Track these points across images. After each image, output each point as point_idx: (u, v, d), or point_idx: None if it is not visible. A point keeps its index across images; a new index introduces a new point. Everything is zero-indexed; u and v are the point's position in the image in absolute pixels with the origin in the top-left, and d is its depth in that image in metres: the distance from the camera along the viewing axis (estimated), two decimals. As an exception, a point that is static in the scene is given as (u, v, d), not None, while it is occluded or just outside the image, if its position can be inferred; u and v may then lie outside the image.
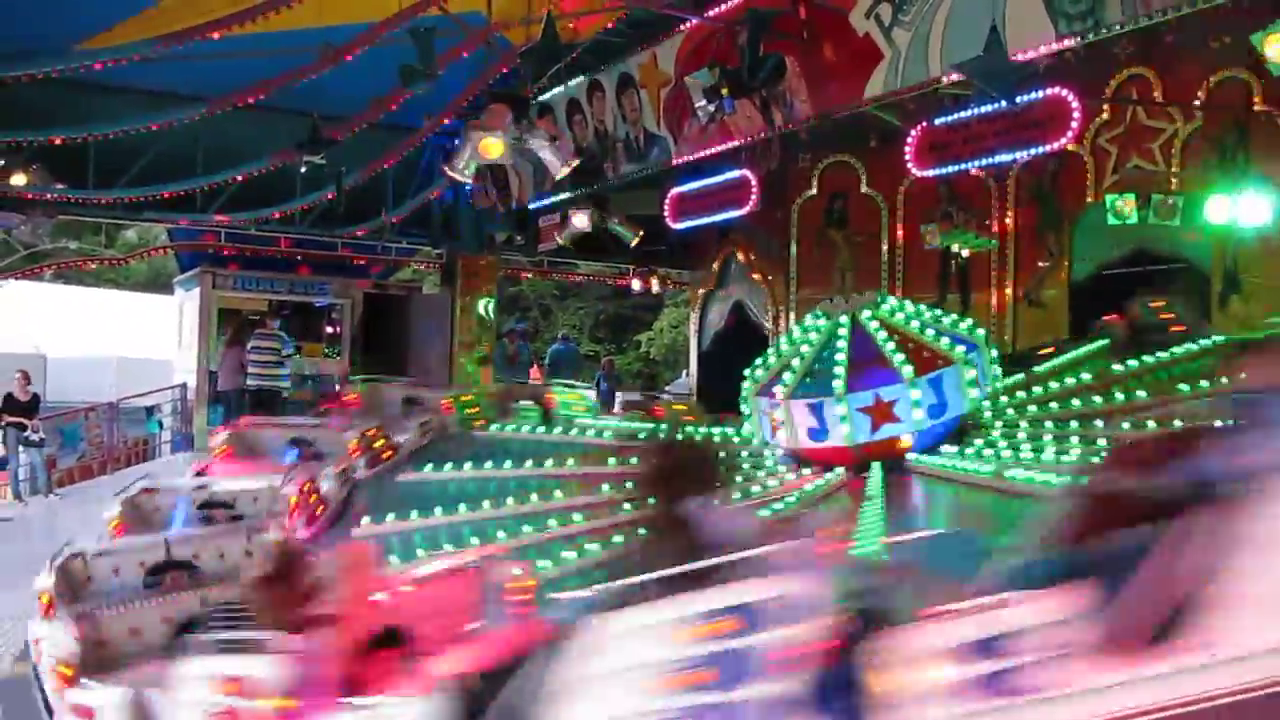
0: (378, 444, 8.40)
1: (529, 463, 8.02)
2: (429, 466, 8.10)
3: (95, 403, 17.11)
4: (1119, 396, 7.70)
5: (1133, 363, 8.23)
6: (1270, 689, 2.68)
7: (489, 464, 8.02)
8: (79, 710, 5.12)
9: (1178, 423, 6.92)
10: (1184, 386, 7.43)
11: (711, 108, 9.50)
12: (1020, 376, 8.45)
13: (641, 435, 8.71)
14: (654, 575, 3.18)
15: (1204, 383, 7.33)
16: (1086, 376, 8.22)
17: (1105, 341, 8.95)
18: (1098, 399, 7.74)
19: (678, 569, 3.17)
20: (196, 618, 5.69)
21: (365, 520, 7.17)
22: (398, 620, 4.09)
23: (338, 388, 14.48)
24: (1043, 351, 9.32)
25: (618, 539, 6.49)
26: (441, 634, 4.00)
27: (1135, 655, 2.76)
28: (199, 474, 9.59)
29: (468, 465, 8.04)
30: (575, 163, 10.91)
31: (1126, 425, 7.20)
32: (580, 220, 14.25)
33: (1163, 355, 8.21)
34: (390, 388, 11.35)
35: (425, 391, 10.72)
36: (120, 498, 8.34)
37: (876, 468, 7.13)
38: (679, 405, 12.80)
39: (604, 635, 3.07)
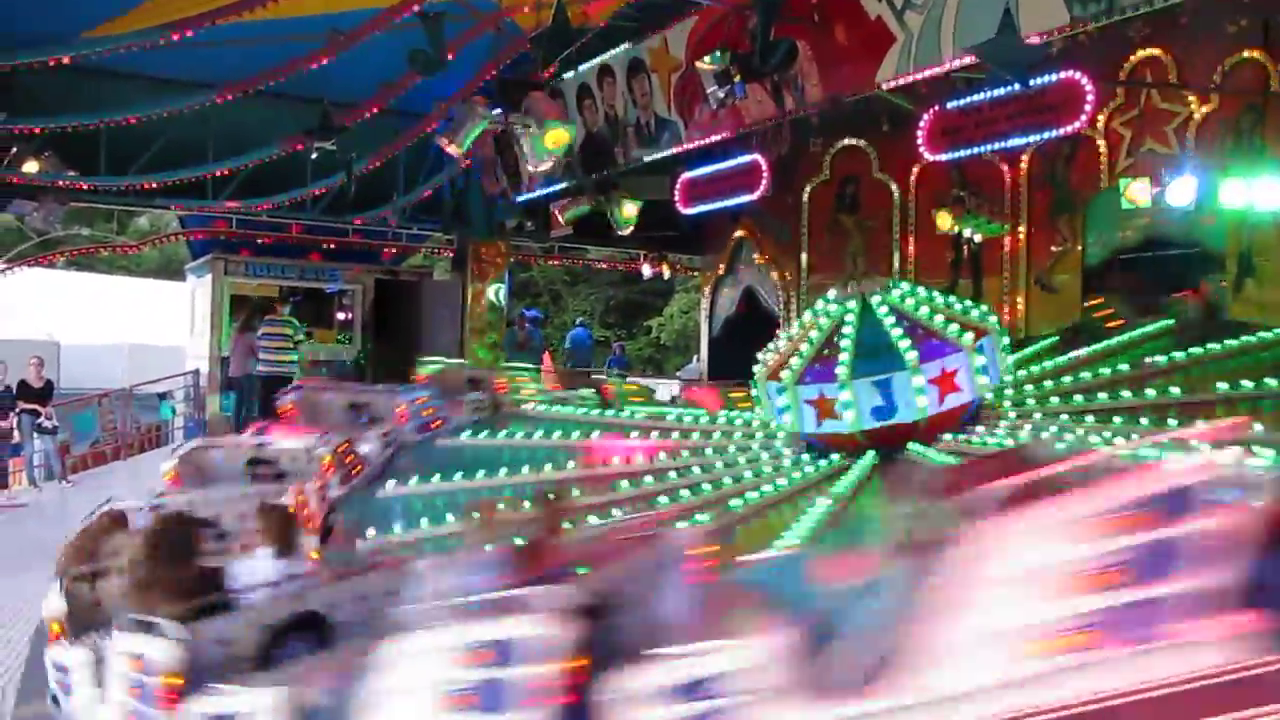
0: (348, 460, 8.45)
1: (525, 469, 8.10)
2: (414, 481, 8.18)
3: (108, 389, 17.18)
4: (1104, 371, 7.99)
5: (1096, 347, 8.52)
6: None
7: (481, 473, 8.11)
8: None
9: (1175, 389, 7.10)
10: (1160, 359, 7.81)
11: (722, 92, 9.46)
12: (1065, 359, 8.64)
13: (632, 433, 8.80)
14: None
15: (1177, 354, 7.67)
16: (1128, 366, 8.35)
17: (1169, 322, 9.15)
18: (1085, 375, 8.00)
19: None
20: (289, 623, 5.34)
21: (392, 483, 7.24)
22: (600, 587, 3.87)
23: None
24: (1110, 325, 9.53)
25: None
26: (639, 601, 3.90)
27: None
28: (258, 433, 9.89)
29: (458, 475, 8.12)
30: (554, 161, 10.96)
31: (1127, 394, 7.35)
32: (630, 208, 14.12)
33: (1122, 339, 8.52)
34: (332, 394, 11.28)
35: (371, 396, 10.71)
36: (177, 453, 9.18)
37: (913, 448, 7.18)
38: (629, 385, 12.86)
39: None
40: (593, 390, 10.19)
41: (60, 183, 13.56)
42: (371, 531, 7.30)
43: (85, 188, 14.03)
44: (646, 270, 18.20)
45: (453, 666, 3.45)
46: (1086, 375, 8.25)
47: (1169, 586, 2.66)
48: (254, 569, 5.69)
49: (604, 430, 8.86)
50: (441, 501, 7.75)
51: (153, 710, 4.74)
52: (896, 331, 7.32)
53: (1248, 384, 7.26)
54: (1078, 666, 2.67)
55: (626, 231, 14.51)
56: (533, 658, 3.35)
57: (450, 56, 10.10)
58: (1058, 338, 9.90)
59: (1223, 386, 7.32)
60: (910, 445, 7.21)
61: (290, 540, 5.94)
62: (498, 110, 10.63)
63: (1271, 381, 7.17)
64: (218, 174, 14.43)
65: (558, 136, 9.86)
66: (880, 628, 3.02)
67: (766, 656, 3.01)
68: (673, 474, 7.77)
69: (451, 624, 3.58)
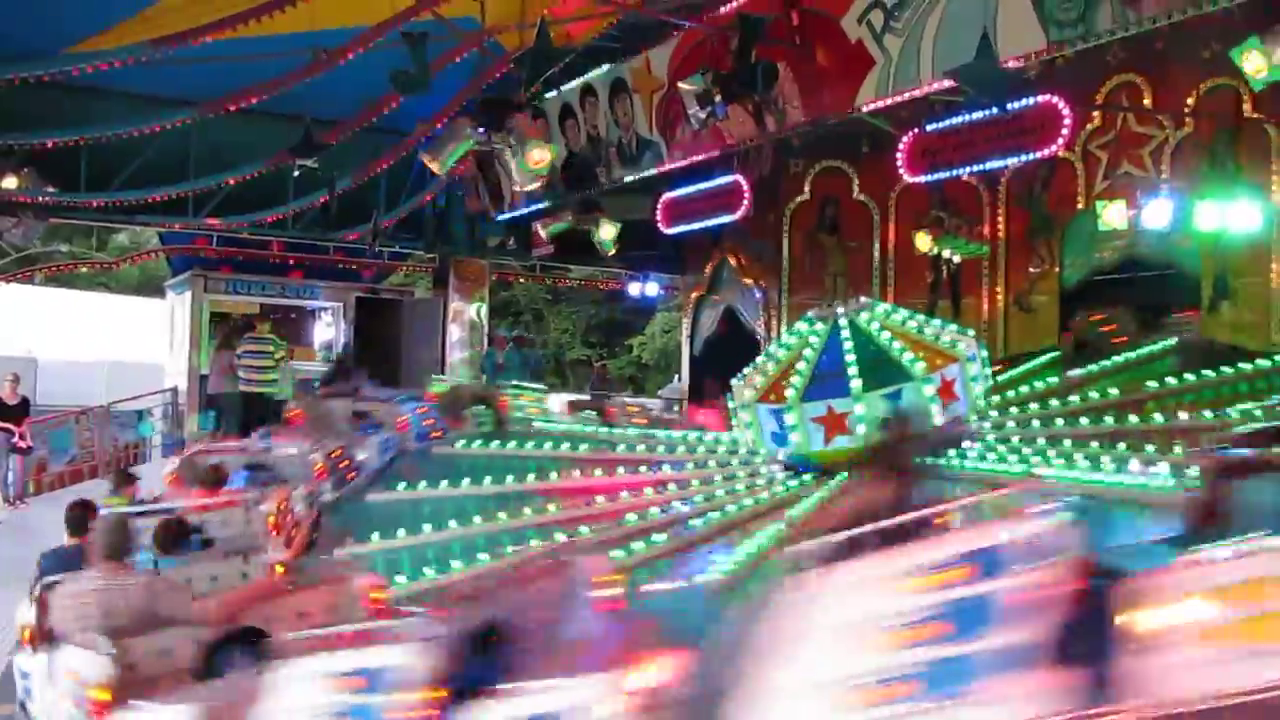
0: (342, 465, 8.47)
1: (510, 478, 8.13)
2: (401, 486, 8.17)
3: (86, 406, 17.04)
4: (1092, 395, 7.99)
5: (1093, 367, 8.57)
6: None
7: (466, 481, 8.11)
8: None
9: (1158, 417, 7.16)
10: (1151, 384, 7.85)
11: (703, 113, 9.52)
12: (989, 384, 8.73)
13: (619, 448, 8.88)
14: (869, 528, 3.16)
15: (1170, 379, 7.68)
16: (1054, 381, 8.48)
17: (1056, 354, 9.33)
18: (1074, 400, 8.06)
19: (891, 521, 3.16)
20: (227, 638, 5.47)
21: (350, 542, 7.25)
22: (498, 613, 4.00)
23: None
24: (993, 368, 9.63)
25: (638, 546, 6.59)
26: (537, 627, 3.96)
27: None
28: (263, 437, 10.41)
29: (443, 484, 8.12)
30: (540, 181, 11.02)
31: (1109, 420, 7.39)
32: (608, 230, 14.19)
33: (1117, 360, 8.58)
34: (337, 402, 11.36)
35: (374, 405, 10.82)
36: (180, 457, 9.81)
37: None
38: (632, 406, 13.00)
39: (827, 589, 2.96)
40: (485, 405, 10.39)
41: (40, 199, 13.48)
42: (349, 540, 7.31)
43: (67, 204, 13.97)
44: (634, 289, 18.23)
45: (328, 692, 3.64)
46: (1076, 399, 8.27)
47: (982, 642, 2.73)
48: None
49: (595, 447, 8.98)
50: (428, 509, 7.79)
51: None
52: (851, 359, 7.53)
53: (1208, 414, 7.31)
54: (892, 718, 2.75)
55: (610, 253, 14.56)
56: (399, 686, 3.49)
57: (433, 76, 10.12)
58: (1059, 353, 9.91)
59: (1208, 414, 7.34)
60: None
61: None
62: (481, 130, 10.66)
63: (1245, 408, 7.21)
64: (199, 191, 14.38)
65: (539, 156, 9.90)
66: (725, 666, 3.11)
67: (609, 694, 3.11)
68: (648, 490, 7.80)
69: (327, 651, 3.81)
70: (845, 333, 7.73)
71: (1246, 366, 8.06)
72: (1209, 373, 8.04)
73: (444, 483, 8.13)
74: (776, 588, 3.09)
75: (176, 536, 6.92)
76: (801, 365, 7.74)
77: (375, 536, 7.38)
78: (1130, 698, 2.71)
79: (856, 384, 7.36)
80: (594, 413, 11.07)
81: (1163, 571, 2.83)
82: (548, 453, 8.84)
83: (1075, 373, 8.77)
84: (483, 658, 3.67)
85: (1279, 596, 2.70)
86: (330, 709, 3.65)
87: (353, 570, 6.22)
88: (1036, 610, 2.73)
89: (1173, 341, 9.18)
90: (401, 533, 7.33)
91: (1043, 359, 9.69)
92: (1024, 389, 8.73)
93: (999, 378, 8.95)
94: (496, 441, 9.21)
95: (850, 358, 7.53)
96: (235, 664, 5.00)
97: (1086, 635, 2.78)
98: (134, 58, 11.23)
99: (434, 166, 11.04)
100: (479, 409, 10.04)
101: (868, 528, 3.16)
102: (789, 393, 7.58)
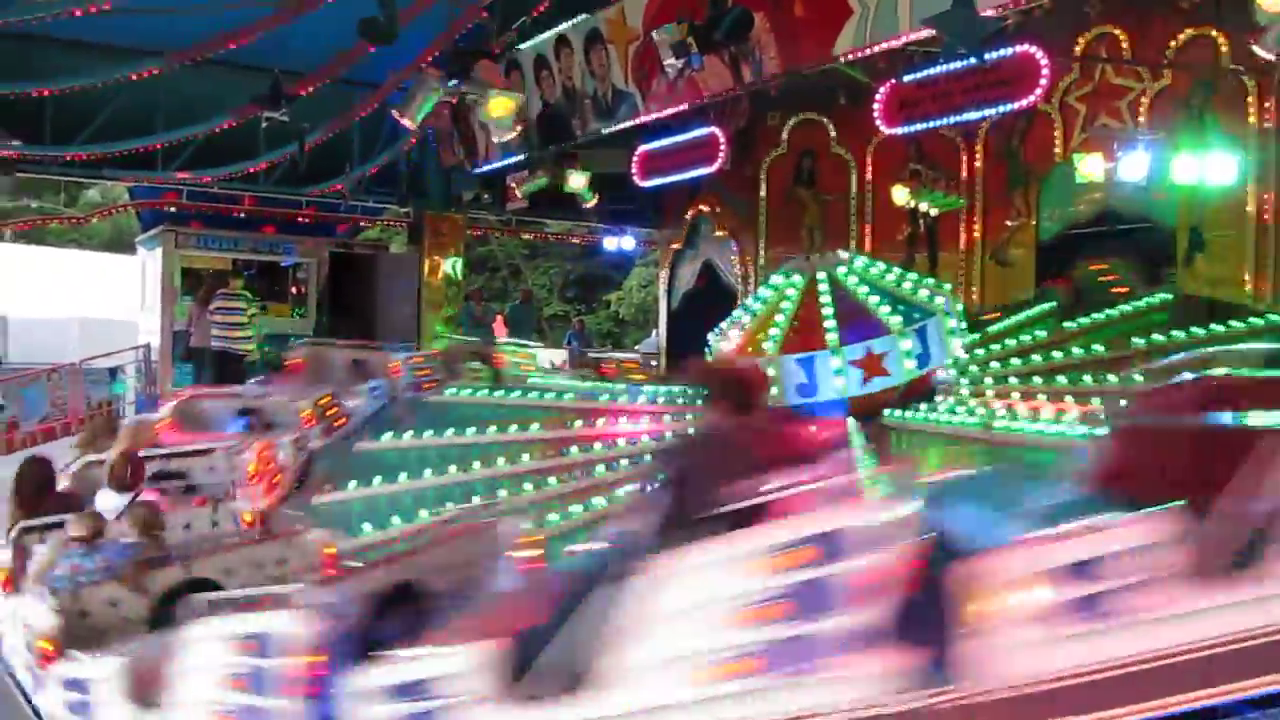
0: (330, 412, 8.44)
1: (492, 428, 8.07)
2: (387, 435, 8.13)
3: (58, 364, 16.87)
4: (1076, 351, 7.87)
5: (1084, 320, 8.44)
6: None
7: (449, 430, 8.06)
8: (71, 685, 5.04)
9: (1138, 376, 7.08)
10: (1139, 340, 7.62)
11: (679, 64, 9.38)
12: (976, 336, 8.61)
13: (603, 397, 8.84)
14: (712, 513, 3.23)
15: (1157, 336, 7.52)
16: (1042, 334, 8.38)
17: (1052, 304, 9.20)
18: (1057, 355, 7.91)
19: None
20: (179, 588, 5.62)
21: (327, 489, 7.21)
22: (411, 575, 4.15)
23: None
24: (987, 316, 9.48)
25: (597, 500, 6.57)
26: (454, 589, 4.11)
27: (1221, 581, 2.80)
28: (261, 384, 10.77)
29: (427, 433, 8.06)
30: (519, 128, 10.86)
31: (1087, 378, 7.32)
32: (577, 180, 14.05)
33: (1111, 313, 8.44)
34: (336, 350, 11.42)
35: (372, 354, 10.85)
36: (171, 404, 10.04)
37: (852, 425, 7.20)
38: (629, 363, 13.00)
39: (675, 571, 3.05)
40: (481, 361, 10.48)
41: (4, 152, 13.24)
42: (329, 488, 7.31)
43: (33, 158, 13.73)
44: (611, 242, 18.13)
45: (228, 653, 3.91)
46: (1059, 355, 8.20)
47: (825, 622, 2.86)
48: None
49: (583, 398, 8.96)
50: (414, 456, 7.78)
51: (36, 668, 5.28)
52: (873, 299, 7.50)
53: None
54: (738, 694, 2.89)
55: (590, 203, 14.44)
56: (284, 650, 3.70)
57: (402, 26, 9.93)
58: (1055, 303, 9.83)
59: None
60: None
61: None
62: (453, 81, 10.49)
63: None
64: (168, 144, 14.15)
65: (502, 105, 9.71)
66: (586, 641, 3.20)
67: (478, 663, 3.24)
68: (621, 442, 7.79)
69: (231, 615, 4.10)
70: (824, 285, 7.69)
71: (1239, 324, 8.03)
72: (1199, 330, 8.02)
73: (430, 432, 8.08)
74: (636, 566, 3.15)
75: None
76: (779, 318, 7.71)
77: (353, 485, 7.36)
78: (967, 679, 2.82)
79: (896, 321, 7.37)
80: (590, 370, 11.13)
81: (1000, 553, 2.89)
82: (534, 403, 8.77)
83: (1068, 325, 8.71)
84: (388, 620, 3.82)
85: (1103, 579, 2.78)
86: (229, 670, 3.90)
87: (306, 524, 6.33)
88: (878, 592, 2.85)
89: (1169, 296, 9.13)
90: (378, 480, 7.30)
91: (1039, 308, 9.58)
92: (1011, 342, 8.66)
93: (991, 327, 8.90)
94: (485, 390, 9.20)
95: (828, 310, 7.51)
96: (186, 615, 5.02)
97: (925, 617, 2.86)
98: (96, 5, 10.95)
99: (405, 121, 10.85)
100: (475, 364, 10.06)
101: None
102: (767, 345, 7.55)
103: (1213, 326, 7.96)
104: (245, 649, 3.86)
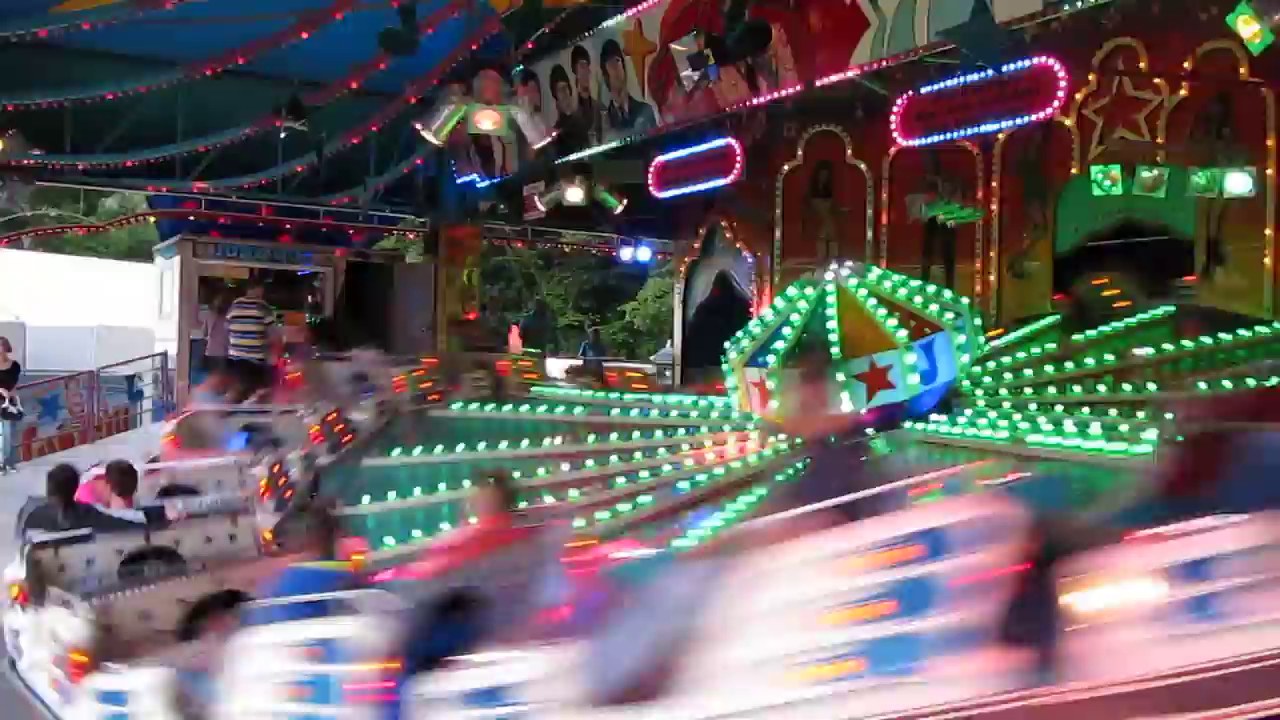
0: (338, 428, 8.46)
1: (503, 444, 8.10)
2: (396, 451, 8.14)
3: (76, 372, 16.96)
4: (1088, 362, 7.90)
5: (1091, 334, 8.47)
6: None
7: (460, 446, 8.08)
8: (107, 698, 4.86)
9: (1151, 385, 7.07)
10: (1148, 350, 7.62)
11: (696, 75, 9.40)
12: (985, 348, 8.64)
13: (613, 412, 8.85)
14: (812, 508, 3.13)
15: (1167, 346, 7.51)
16: (1051, 346, 8.40)
17: (1057, 318, 9.23)
18: (1066, 366, 7.95)
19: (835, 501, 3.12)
20: (212, 598, 5.52)
21: (341, 504, 7.22)
22: (462, 582, 4.07)
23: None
24: (991, 333, 9.50)
25: (623, 508, 6.58)
26: (508, 594, 4.02)
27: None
28: (261, 400, 10.67)
29: (437, 449, 8.08)
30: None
31: (1102, 388, 7.30)
32: (574, 194, 14.11)
33: (1117, 325, 8.46)
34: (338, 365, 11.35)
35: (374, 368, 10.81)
36: (176, 419, 9.97)
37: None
38: (632, 372, 12.98)
39: (771, 568, 2.97)
40: (484, 370, 10.50)
41: (26, 162, 13.33)
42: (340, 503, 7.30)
43: (53, 167, 13.82)
44: (626, 254, 18.14)
45: (288, 660, 3.80)
46: (1070, 366, 8.20)
47: (927, 622, 2.76)
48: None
49: (592, 410, 9.03)
50: (424, 473, 7.79)
51: (67, 682, 5.08)
52: (833, 325, 7.47)
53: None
54: (836, 695, 2.80)
55: (618, 210, 14.48)
56: (354, 657, 3.62)
57: (422, 37, 9.99)
58: (1060, 316, 9.83)
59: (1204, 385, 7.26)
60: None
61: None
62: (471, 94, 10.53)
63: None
64: (186, 154, 14.24)
65: (489, 118, 9.74)
66: (658, 643, 3.14)
67: (555, 668, 3.19)
68: (638, 454, 7.79)
69: (290, 621, 3.92)
70: (831, 299, 7.67)
71: (1245, 333, 8.00)
72: (1206, 340, 7.99)
73: (439, 448, 8.10)
74: (726, 564, 3.08)
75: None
76: (787, 331, 7.68)
77: (366, 500, 7.39)
78: (1073, 678, 2.73)
79: (903, 335, 7.37)
80: (593, 378, 11.08)
81: (1109, 550, 2.83)
82: (543, 416, 8.80)
83: (1074, 338, 8.72)
84: (448, 626, 3.73)
85: (1219, 577, 2.71)
86: (289, 678, 3.79)
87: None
88: (981, 590, 2.75)
89: (1172, 308, 9.11)
90: (392, 495, 7.32)
91: (1043, 323, 9.60)
92: (1020, 355, 8.67)
93: (998, 341, 8.91)
94: (492, 405, 9.21)
95: (832, 324, 7.48)
96: (216, 627, 5.00)
97: (1031, 615, 2.79)
98: (119, 17, 11.05)
99: (430, 136, 10.84)
100: (477, 374, 10.04)
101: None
102: (770, 358, 7.53)
103: (1220, 336, 7.96)
104: (309, 656, 3.75)
